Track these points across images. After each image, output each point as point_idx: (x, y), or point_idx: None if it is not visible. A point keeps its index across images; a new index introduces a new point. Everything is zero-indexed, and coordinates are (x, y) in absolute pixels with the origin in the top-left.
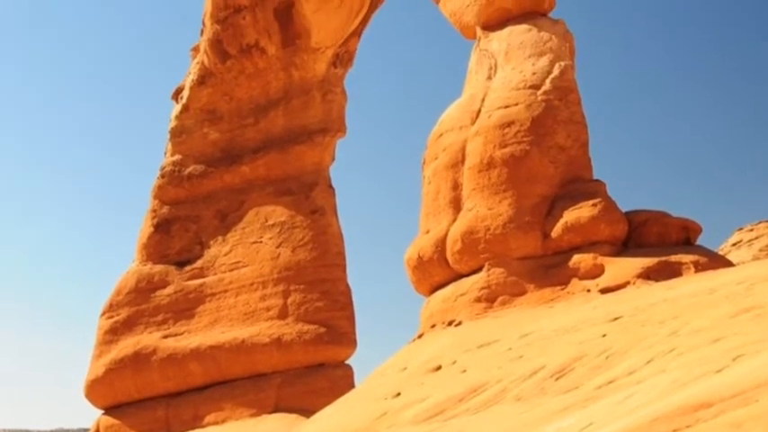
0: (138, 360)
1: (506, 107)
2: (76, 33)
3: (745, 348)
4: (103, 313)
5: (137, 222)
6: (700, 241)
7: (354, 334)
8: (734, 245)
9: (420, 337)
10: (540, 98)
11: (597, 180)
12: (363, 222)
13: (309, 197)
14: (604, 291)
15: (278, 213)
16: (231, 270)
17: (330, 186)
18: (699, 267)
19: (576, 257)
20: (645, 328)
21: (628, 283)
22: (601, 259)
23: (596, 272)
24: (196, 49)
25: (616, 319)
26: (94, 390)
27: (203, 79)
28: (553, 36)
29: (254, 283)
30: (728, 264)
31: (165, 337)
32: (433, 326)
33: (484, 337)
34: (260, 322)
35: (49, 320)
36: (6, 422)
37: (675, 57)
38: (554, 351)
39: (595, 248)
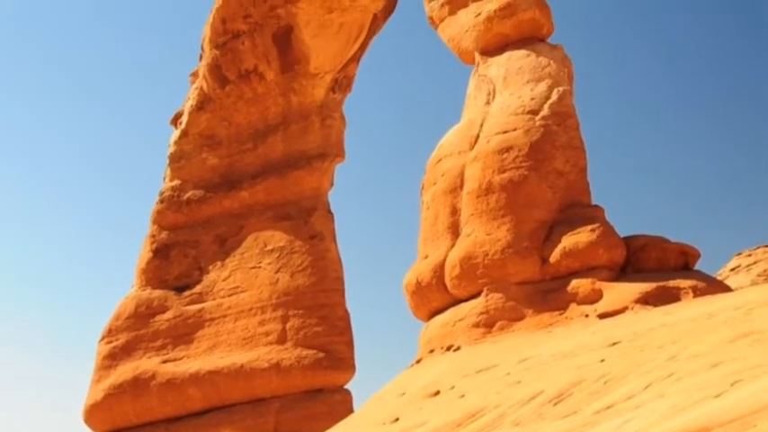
0: (137, 385)
1: (505, 132)
2: (74, 59)
3: (743, 373)
4: (102, 338)
5: (136, 247)
6: (698, 266)
7: (353, 359)
8: (732, 270)
9: (418, 362)
10: (538, 123)
11: (595, 205)
12: (362, 247)
13: (308, 222)
14: (603, 316)
15: (277, 238)
16: (230, 295)
17: (329, 211)
18: (697, 292)
19: (574, 282)
20: (643, 353)
21: (626, 308)
22: (599, 284)
23: (595, 297)
24: (195, 75)
25: (614, 344)
26: (93, 415)
27: (202, 104)
28: (551, 61)
29: (253, 308)
30: (727, 289)
31: (164, 362)
32: (432, 351)
33: (482, 362)
34: (259, 347)
35: (48, 345)
36: None
37: (674, 82)
38: (552, 376)
39: (594, 273)
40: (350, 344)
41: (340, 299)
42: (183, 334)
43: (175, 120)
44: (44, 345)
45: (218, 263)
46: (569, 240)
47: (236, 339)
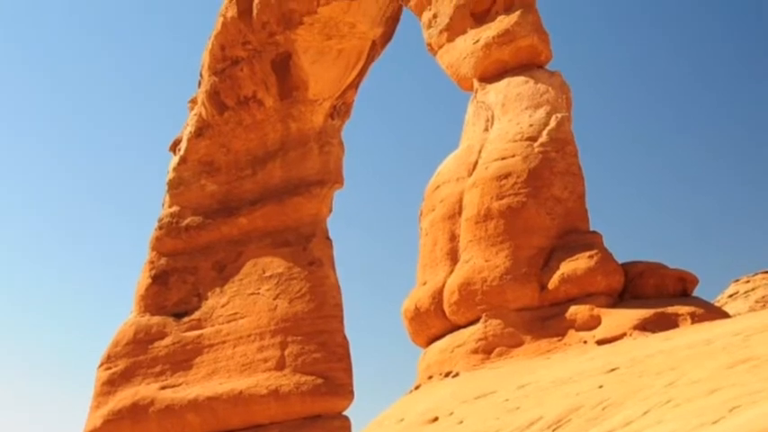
0: (136, 411)
1: (503, 159)
2: (74, 86)
3: (741, 399)
4: (101, 364)
5: (134, 274)
6: (696, 292)
7: (352, 385)
8: (730, 296)
9: (417, 388)
10: (536, 150)
11: (594, 231)
12: (361, 274)
13: (307, 249)
14: (601, 342)
15: (275, 265)
16: (229, 321)
17: (328, 238)
18: (695, 319)
19: (572, 309)
20: (641, 380)
21: (624, 334)
22: (597, 311)
23: (593, 323)
24: (194, 101)
25: (613, 370)
26: None
27: (201, 131)
28: (550, 88)
29: (252, 334)
30: (725, 315)
31: (163, 388)
32: (431, 377)
33: (481, 388)
34: (257, 373)
35: (47, 371)
36: None
37: (672, 109)
38: (551, 402)
39: (592, 300)
40: (349, 370)
41: (339, 325)
42: (182, 360)
43: (174, 146)
44: (43, 371)
45: (217, 289)
46: (568, 267)
47: (234, 365)
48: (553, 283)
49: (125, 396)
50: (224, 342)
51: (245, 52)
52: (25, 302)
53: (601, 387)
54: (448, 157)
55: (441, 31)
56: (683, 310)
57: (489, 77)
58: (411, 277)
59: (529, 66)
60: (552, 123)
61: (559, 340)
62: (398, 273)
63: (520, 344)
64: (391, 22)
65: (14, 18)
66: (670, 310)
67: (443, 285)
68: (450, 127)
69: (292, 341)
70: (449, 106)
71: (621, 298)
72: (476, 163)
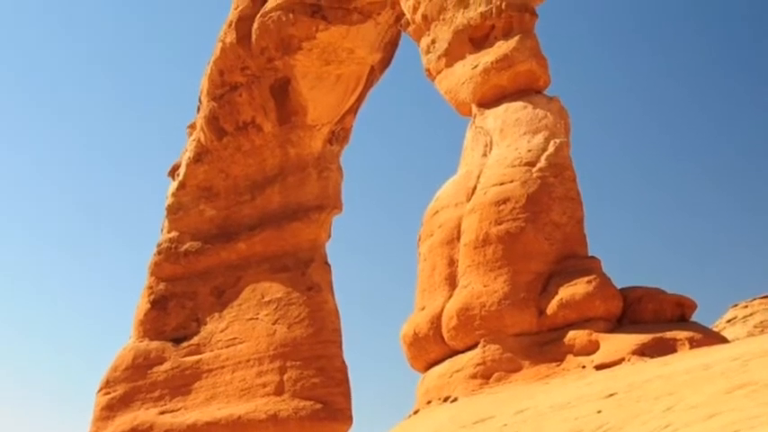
0: None
1: (502, 184)
2: (72, 110)
3: (740, 424)
4: (100, 389)
5: (133, 299)
6: (695, 318)
7: (350, 410)
8: (729, 321)
9: (416, 413)
10: (535, 175)
11: (592, 257)
12: (359, 299)
13: (305, 274)
14: (599, 367)
15: (274, 290)
16: (227, 346)
17: (326, 263)
18: (694, 344)
19: (571, 334)
20: (640, 405)
21: (623, 359)
22: (596, 336)
23: (591, 348)
24: (192, 127)
25: (611, 395)
26: None
27: (200, 156)
28: (548, 113)
29: (251, 359)
30: (723, 340)
31: (162, 413)
32: (429, 402)
33: (479, 413)
34: (256, 398)
35: (47, 396)
36: None
37: (670, 134)
38: (550, 427)
39: (590, 325)
40: (347, 395)
41: (337, 350)
42: (181, 385)
43: (173, 171)
44: (43, 396)
45: (216, 314)
46: (566, 292)
47: (233, 391)
48: (551, 308)
49: (124, 421)
50: (223, 367)
51: (244, 78)
52: (24, 327)
53: (599, 412)
54: (446, 183)
55: (439, 57)
56: (681, 335)
57: (488, 103)
58: (410, 302)
59: (527, 91)
60: (551, 149)
61: (558, 365)
62: (397, 298)
63: (518, 369)
64: (390, 48)
65: (13, 51)
66: (668, 335)
67: (442, 310)
68: (449, 152)
69: (291, 366)
70: (447, 132)
71: (620, 323)
72: (474, 188)
